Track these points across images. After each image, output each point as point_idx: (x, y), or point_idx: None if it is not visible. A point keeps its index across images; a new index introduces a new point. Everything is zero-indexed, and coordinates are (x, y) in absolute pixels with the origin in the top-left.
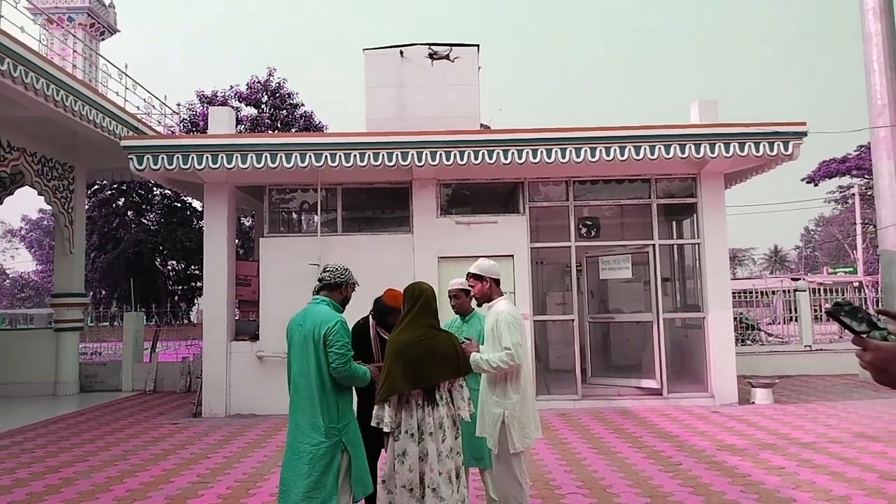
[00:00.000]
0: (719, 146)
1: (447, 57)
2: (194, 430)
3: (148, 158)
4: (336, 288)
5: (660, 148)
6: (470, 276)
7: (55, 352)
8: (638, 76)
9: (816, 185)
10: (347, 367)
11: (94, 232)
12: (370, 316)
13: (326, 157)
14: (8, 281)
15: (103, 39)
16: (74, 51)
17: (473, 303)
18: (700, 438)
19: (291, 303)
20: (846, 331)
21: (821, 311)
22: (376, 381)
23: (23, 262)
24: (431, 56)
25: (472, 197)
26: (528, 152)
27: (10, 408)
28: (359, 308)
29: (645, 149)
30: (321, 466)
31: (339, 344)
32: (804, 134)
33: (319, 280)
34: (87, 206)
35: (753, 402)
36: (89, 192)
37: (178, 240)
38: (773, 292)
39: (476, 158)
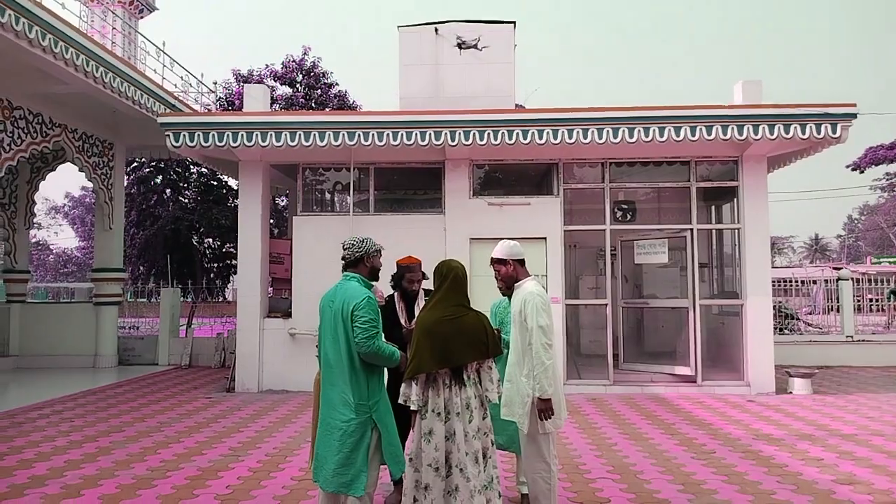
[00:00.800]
0: (763, 128)
1: (475, 46)
2: (227, 404)
3: (184, 135)
4: (359, 262)
5: (701, 129)
6: (494, 261)
7: (95, 325)
8: (680, 58)
9: (862, 171)
10: (372, 343)
11: (132, 209)
12: (392, 290)
13: (360, 135)
14: (52, 256)
15: (142, 17)
16: (114, 28)
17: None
18: (735, 427)
19: (323, 281)
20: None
21: (864, 301)
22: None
23: (66, 239)
24: (459, 45)
25: (506, 178)
26: (563, 132)
27: (51, 378)
28: (384, 285)
29: (685, 130)
30: (351, 443)
31: (363, 319)
32: (854, 116)
33: (342, 259)
34: (125, 183)
35: (791, 392)
36: (128, 169)
37: (213, 218)
38: (814, 282)
39: (510, 138)
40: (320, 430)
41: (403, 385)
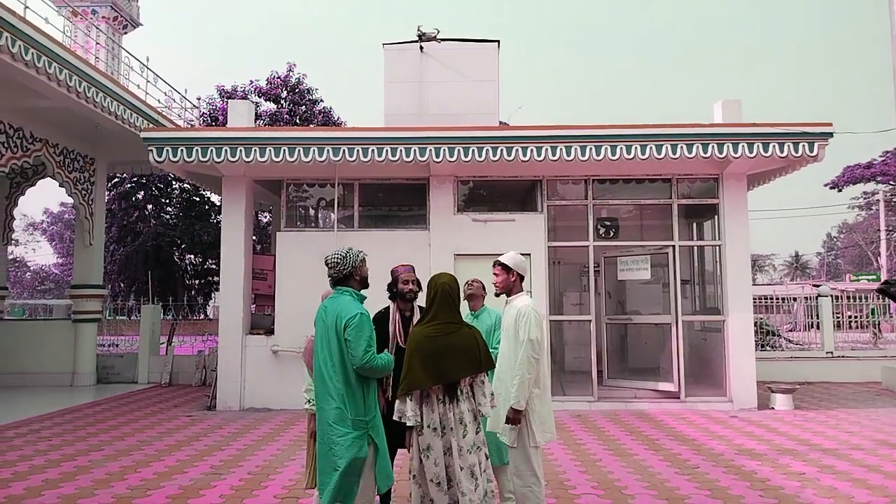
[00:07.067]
0: (742, 146)
1: (434, 38)
2: (208, 422)
3: (167, 150)
4: (348, 277)
5: (682, 147)
6: (497, 264)
7: (73, 343)
8: (659, 77)
9: (840, 190)
10: (367, 358)
11: (113, 224)
12: (389, 300)
13: (344, 151)
14: (29, 273)
15: (126, 33)
16: (98, 43)
17: (491, 295)
18: (718, 442)
19: (307, 297)
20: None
21: (843, 318)
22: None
23: (44, 255)
24: (420, 37)
25: (490, 194)
26: (547, 149)
27: (28, 397)
28: (376, 301)
29: (667, 148)
30: (349, 457)
31: (357, 336)
32: (830, 135)
33: (330, 276)
34: (106, 199)
35: (773, 408)
36: (109, 184)
37: (196, 234)
38: (794, 299)
39: (494, 155)
40: (319, 445)
41: (398, 402)
